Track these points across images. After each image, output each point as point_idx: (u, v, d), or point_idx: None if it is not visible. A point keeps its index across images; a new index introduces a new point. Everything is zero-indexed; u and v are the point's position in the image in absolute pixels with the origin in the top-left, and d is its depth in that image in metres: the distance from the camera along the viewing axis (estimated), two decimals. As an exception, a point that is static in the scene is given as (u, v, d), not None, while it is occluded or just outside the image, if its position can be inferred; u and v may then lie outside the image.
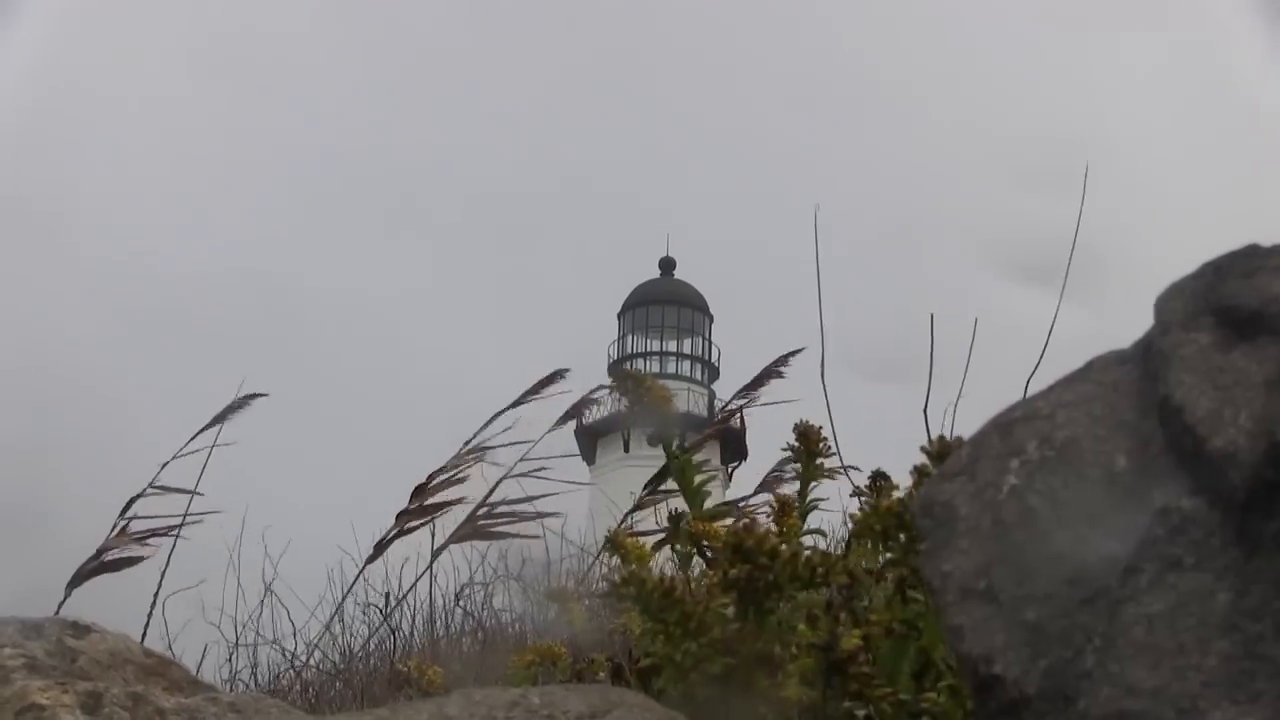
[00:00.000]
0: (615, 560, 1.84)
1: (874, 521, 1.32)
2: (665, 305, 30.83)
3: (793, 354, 4.10)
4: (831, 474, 1.89)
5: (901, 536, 1.31)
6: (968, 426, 1.16)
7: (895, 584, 1.32)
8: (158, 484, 3.83)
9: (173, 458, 3.92)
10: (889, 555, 1.33)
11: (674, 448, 1.82)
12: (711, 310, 31.20)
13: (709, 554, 1.76)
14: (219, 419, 4.07)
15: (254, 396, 4.15)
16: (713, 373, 30.67)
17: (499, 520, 3.97)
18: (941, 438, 1.32)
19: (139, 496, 3.79)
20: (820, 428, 1.82)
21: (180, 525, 3.75)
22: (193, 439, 4.00)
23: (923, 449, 1.33)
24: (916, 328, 3.49)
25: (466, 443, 4.13)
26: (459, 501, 4.01)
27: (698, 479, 1.82)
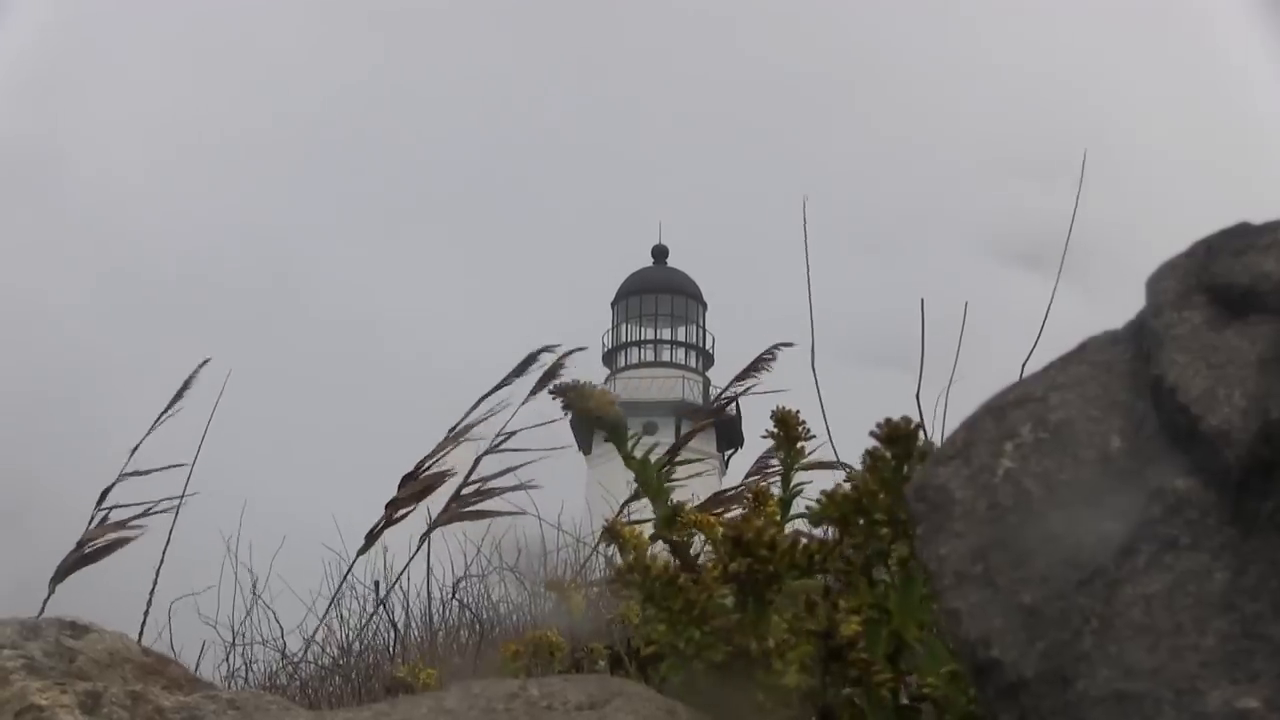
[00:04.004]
0: (613, 550, 1.84)
1: (832, 510, 1.32)
2: (659, 294, 30.86)
3: (782, 345, 4.10)
4: (819, 464, 1.89)
5: (861, 522, 1.31)
6: (963, 410, 1.16)
7: (860, 568, 1.32)
8: (129, 470, 3.82)
9: (140, 441, 3.91)
10: (850, 541, 1.32)
11: (629, 449, 1.80)
12: (705, 298, 31.20)
13: (692, 548, 1.75)
14: (178, 395, 4.06)
15: (204, 364, 4.13)
16: (707, 360, 30.70)
17: (483, 498, 3.98)
18: (889, 419, 1.32)
19: (114, 485, 3.78)
20: (798, 412, 1.80)
21: (161, 509, 3.74)
22: (156, 421, 3.99)
23: (872, 432, 1.33)
24: (916, 314, 3.50)
25: (452, 429, 4.14)
26: (446, 477, 4.01)
27: (662, 472, 1.81)
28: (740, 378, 4.24)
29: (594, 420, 1.78)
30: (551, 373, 4.24)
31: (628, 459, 1.79)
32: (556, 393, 1.80)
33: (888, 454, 1.31)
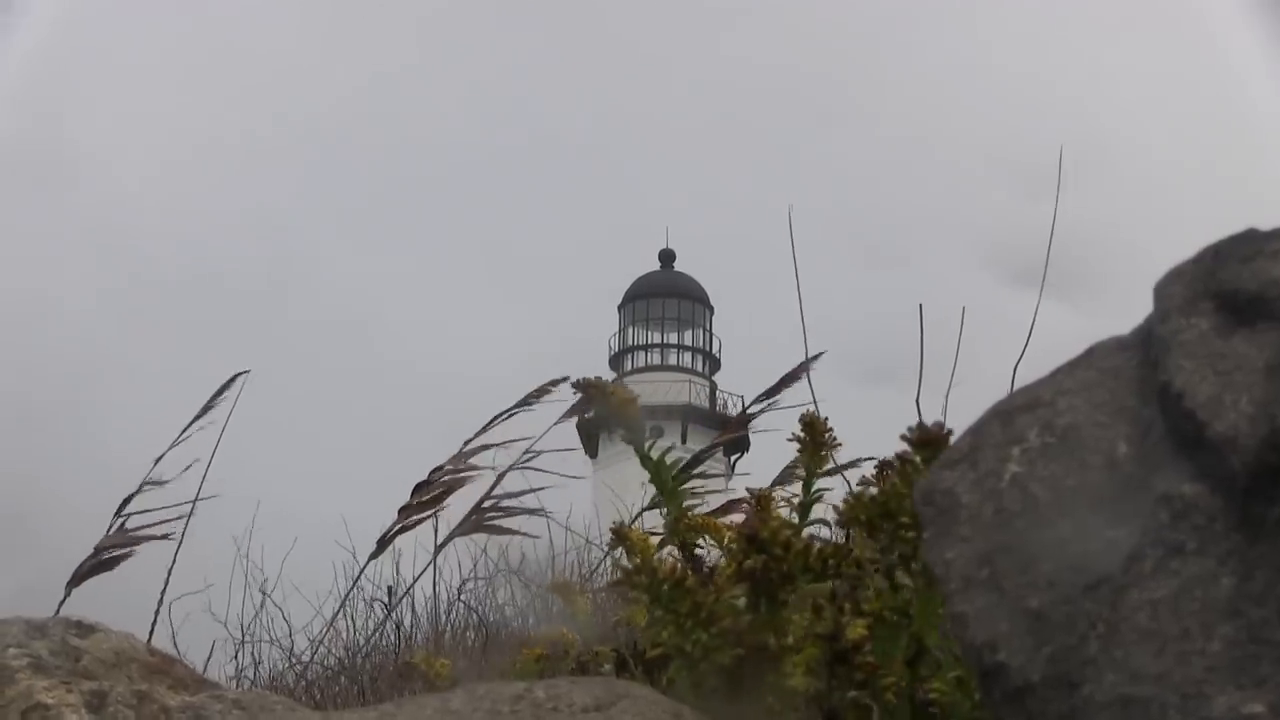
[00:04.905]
0: (621, 553, 1.84)
1: (859, 512, 1.32)
2: (665, 298, 30.84)
3: (814, 359, 4.07)
4: (838, 469, 1.89)
5: (886, 525, 1.31)
6: (962, 416, 1.16)
7: (885, 572, 1.32)
8: (151, 479, 3.83)
9: (165, 452, 3.92)
10: (878, 544, 1.32)
11: (647, 450, 1.80)
12: (712, 302, 31.19)
13: (698, 551, 1.75)
14: (206, 409, 4.07)
15: (238, 377, 4.14)
16: (714, 364, 30.69)
17: (501, 514, 3.99)
18: (922, 424, 1.32)
19: (135, 494, 3.80)
20: (826, 418, 1.81)
21: (177, 521, 3.76)
22: (183, 433, 4.00)
23: (903, 436, 1.33)
24: (912, 332, 3.49)
25: (467, 442, 4.15)
26: (459, 485, 4.03)
27: (677, 475, 1.81)
28: (770, 393, 4.22)
29: (615, 419, 1.79)
30: (578, 406, 4.25)
31: (644, 459, 1.79)
32: (579, 388, 1.81)
33: (917, 458, 1.31)
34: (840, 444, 1.83)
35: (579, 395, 1.82)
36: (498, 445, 4.14)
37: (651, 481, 1.81)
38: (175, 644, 4.46)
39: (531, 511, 4.05)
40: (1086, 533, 0.99)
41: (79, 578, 3.57)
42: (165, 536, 3.72)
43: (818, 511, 1.85)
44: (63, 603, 3.53)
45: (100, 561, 3.59)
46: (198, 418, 4.03)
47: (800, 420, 1.81)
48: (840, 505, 1.37)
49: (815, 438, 1.80)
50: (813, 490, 1.82)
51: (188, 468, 3.89)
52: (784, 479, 3.42)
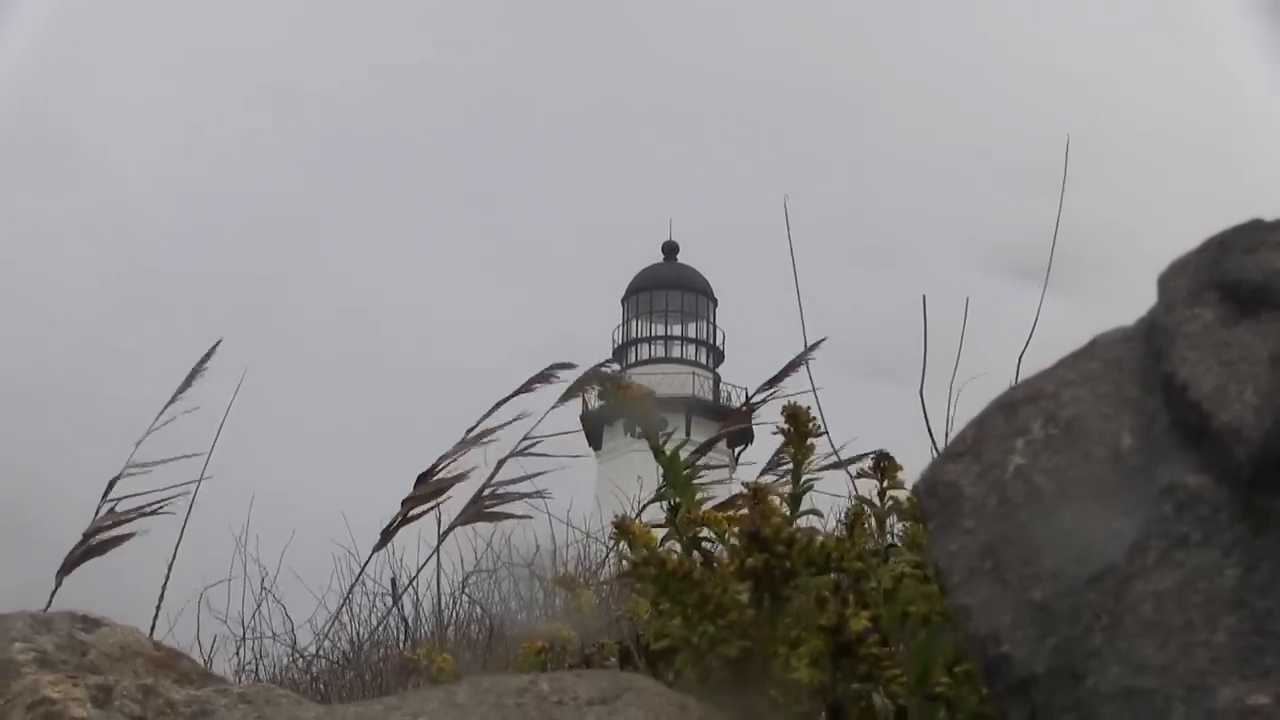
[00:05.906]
0: (624, 546, 1.84)
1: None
2: (669, 290, 30.81)
3: (815, 345, 4.04)
4: (840, 464, 1.89)
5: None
6: (965, 408, 1.16)
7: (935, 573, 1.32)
8: (136, 462, 3.80)
9: (146, 434, 3.89)
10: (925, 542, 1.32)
11: (659, 443, 1.81)
12: (715, 294, 31.18)
13: (706, 545, 1.76)
14: (185, 385, 4.04)
15: (215, 348, 4.12)
16: (717, 356, 30.67)
17: (502, 500, 3.98)
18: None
19: (119, 478, 3.76)
20: (809, 408, 1.81)
21: (168, 502, 3.73)
22: (162, 413, 3.97)
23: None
24: (913, 328, 3.48)
25: (469, 430, 4.14)
26: (462, 479, 4.02)
27: (689, 470, 1.81)
28: (773, 382, 4.21)
29: (629, 413, 1.79)
30: (576, 387, 4.24)
31: (658, 453, 1.80)
32: (596, 381, 1.82)
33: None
34: (824, 432, 1.84)
35: (584, 384, 1.82)
36: (498, 429, 4.12)
37: (664, 475, 1.82)
38: (175, 637, 4.46)
39: (532, 495, 4.04)
40: (1090, 524, 0.99)
41: (69, 565, 3.54)
42: (155, 512, 3.69)
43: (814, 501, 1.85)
44: (54, 593, 3.50)
45: (90, 547, 3.56)
46: (179, 393, 4.00)
47: (783, 412, 1.81)
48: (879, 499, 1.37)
49: (800, 428, 1.80)
50: (802, 480, 1.82)
51: (189, 455, 3.87)
52: (772, 467, 3.41)
